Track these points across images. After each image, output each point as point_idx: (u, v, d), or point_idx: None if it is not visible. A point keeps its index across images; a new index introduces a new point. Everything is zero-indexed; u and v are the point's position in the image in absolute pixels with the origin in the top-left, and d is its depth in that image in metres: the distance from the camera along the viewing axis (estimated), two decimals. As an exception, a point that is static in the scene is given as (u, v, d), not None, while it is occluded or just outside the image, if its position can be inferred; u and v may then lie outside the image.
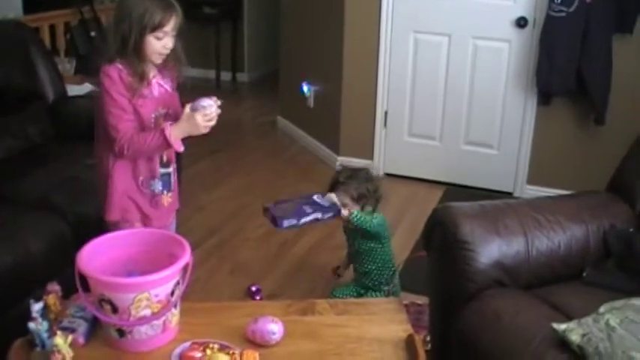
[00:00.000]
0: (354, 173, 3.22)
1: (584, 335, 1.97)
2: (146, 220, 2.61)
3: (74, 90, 4.58)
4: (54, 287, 2.23)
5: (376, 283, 3.24)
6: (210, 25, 7.84)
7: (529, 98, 4.63)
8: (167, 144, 2.44)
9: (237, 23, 8.00)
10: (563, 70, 4.34)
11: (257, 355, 2.00)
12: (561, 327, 2.03)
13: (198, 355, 1.98)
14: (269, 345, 2.08)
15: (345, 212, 3.09)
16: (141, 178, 2.57)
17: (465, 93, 4.81)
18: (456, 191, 4.85)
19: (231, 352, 1.99)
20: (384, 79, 4.97)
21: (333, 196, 3.04)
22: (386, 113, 5.05)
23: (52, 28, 5.20)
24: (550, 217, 2.51)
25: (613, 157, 2.99)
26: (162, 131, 2.43)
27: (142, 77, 2.44)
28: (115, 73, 2.41)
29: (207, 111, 2.49)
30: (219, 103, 2.56)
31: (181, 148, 2.50)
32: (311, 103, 5.62)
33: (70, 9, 5.55)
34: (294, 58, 5.95)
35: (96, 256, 2.13)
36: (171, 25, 2.44)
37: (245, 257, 3.94)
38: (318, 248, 4.03)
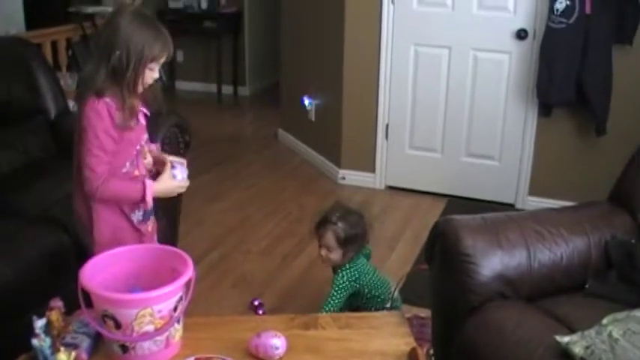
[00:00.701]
0: (346, 214, 3.07)
1: (587, 347, 1.97)
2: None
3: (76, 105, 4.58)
4: (57, 303, 2.23)
5: (378, 307, 3.20)
6: (211, 39, 7.88)
7: (530, 109, 4.64)
8: (142, 199, 2.41)
9: (237, 37, 8.04)
10: (564, 81, 4.35)
11: (260, 369, 2.01)
12: (564, 339, 2.02)
13: (202, 370, 1.98)
14: None
15: (322, 254, 3.08)
16: (126, 209, 2.49)
17: (465, 105, 4.82)
18: (458, 203, 4.86)
19: (234, 367, 1.99)
20: (385, 91, 4.98)
21: None
22: (387, 126, 5.06)
23: (54, 44, 5.22)
24: (552, 229, 2.51)
25: (614, 168, 2.99)
26: (143, 187, 2.40)
27: (132, 110, 2.35)
28: (105, 109, 2.29)
29: (181, 180, 2.54)
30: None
31: (150, 205, 2.48)
32: (312, 116, 5.63)
33: (71, 25, 5.58)
34: (295, 71, 5.97)
35: (98, 272, 2.14)
36: (165, 58, 2.39)
37: (247, 271, 3.94)
38: (320, 262, 4.02)
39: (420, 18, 4.78)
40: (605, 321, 2.07)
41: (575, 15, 4.19)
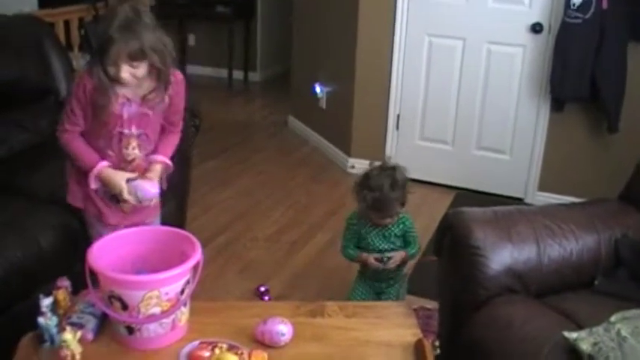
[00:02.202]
0: (394, 180, 3.02)
1: (595, 344, 1.96)
2: (102, 217, 2.61)
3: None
4: (64, 283, 2.23)
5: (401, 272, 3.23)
6: (223, 24, 7.85)
7: (542, 104, 4.61)
8: (89, 171, 2.51)
9: (250, 22, 8.01)
10: (578, 76, 4.32)
11: (266, 355, 2.00)
12: (572, 335, 2.01)
13: (207, 354, 1.97)
14: (278, 346, 2.08)
15: (393, 263, 3.06)
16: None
17: (477, 97, 4.79)
18: (467, 196, 4.84)
19: (239, 352, 1.98)
20: (397, 81, 4.96)
21: None
22: (398, 116, 5.04)
23: (67, 24, 5.21)
24: (562, 225, 2.50)
25: (625, 166, 2.97)
26: (97, 162, 2.50)
27: (111, 95, 2.41)
28: (82, 82, 2.43)
29: (139, 198, 2.55)
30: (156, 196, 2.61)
31: (92, 186, 2.53)
32: (323, 104, 5.61)
33: (84, 4, 5.56)
34: (307, 59, 5.95)
35: (106, 253, 2.13)
36: (114, 54, 2.31)
37: (254, 257, 3.94)
38: (328, 250, 4.02)
39: (435, 8, 4.75)
40: (613, 319, 2.06)
41: (592, 10, 4.16)
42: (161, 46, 2.38)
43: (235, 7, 7.74)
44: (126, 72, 2.34)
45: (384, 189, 2.99)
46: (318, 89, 5.62)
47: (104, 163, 2.51)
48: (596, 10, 4.15)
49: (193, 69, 8.32)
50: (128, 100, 2.46)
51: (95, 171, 2.50)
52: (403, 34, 4.86)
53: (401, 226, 3.12)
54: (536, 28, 4.48)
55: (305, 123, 6.07)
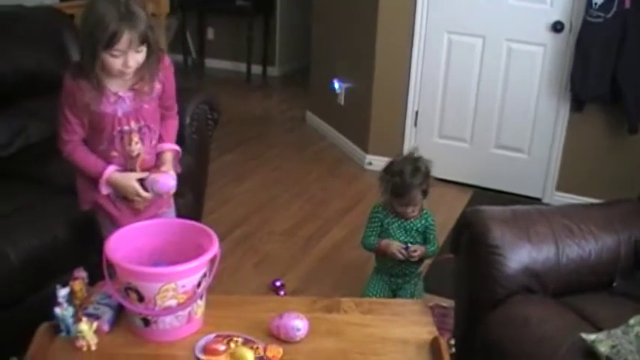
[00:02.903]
0: (417, 169, 3.08)
1: (613, 347, 1.94)
2: (113, 220, 2.56)
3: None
4: (80, 273, 2.24)
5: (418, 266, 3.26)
6: (242, 18, 7.84)
7: (562, 104, 4.58)
8: (98, 179, 2.47)
9: (269, 17, 8.00)
10: (598, 76, 4.28)
11: (281, 350, 2.00)
12: (590, 337, 2.00)
13: (222, 347, 1.97)
14: (293, 341, 2.07)
15: (416, 255, 3.10)
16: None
17: (497, 96, 4.76)
18: (484, 194, 4.82)
19: (255, 346, 1.99)
20: (416, 78, 4.94)
21: None
22: (417, 113, 5.02)
23: (87, 15, 5.21)
24: (582, 226, 2.48)
25: (645, 167, 2.94)
26: (104, 169, 2.46)
27: (100, 93, 2.37)
28: (68, 88, 2.37)
29: (156, 192, 2.54)
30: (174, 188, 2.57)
31: (104, 192, 2.51)
32: (341, 99, 5.60)
33: None
34: (326, 54, 5.93)
35: (123, 244, 2.14)
36: (124, 43, 2.22)
37: (270, 251, 3.94)
38: (344, 245, 4.02)
39: (454, 6, 4.73)
40: (632, 321, 2.05)
41: (614, 9, 4.12)
42: (151, 23, 2.32)
43: (255, 2, 7.73)
44: (132, 59, 2.28)
45: (405, 174, 3.04)
46: (336, 85, 5.61)
47: (111, 168, 2.47)
48: (618, 10, 4.11)
49: (212, 62, 8.34)
50: (119, 96, 2.41)
51: (104, 178, 2.46)
52: (423, 31, 4.83)
53: (423, 221, 3.15)
54: (557, 27, 4.44)
55: (323, 119, 6.06)
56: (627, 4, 4.09)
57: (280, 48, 8.24)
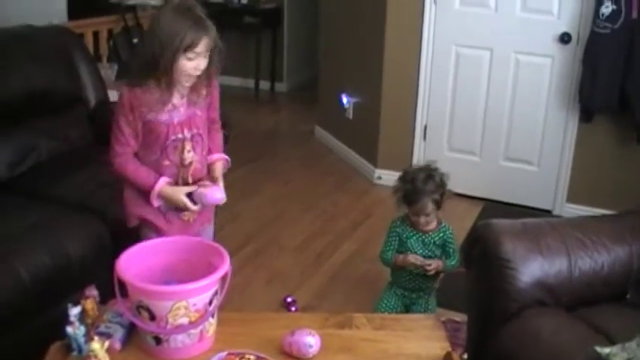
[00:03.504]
0: (431, 177, 3.12)
1: None
2: (162, 233, 2.57)
3: (115, 95, 4.61)
4: (92, 292, 2.24)
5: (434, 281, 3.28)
6: (250, 35, 7.87)
7: (571, 115, 4.57)
8: (149, 191, 2.48)
9: (276, 33, 8.03)
10: (607, 87, 4.28)
11: (293, 367, 1.99)
12: (605, 350, 1.98)
13: (235, 365, 1.97)
14: (305, 358, 2.07)
15: (432, 267, 3.12)
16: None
17: (505, 108, 4.76)
18: (495, 207, 4.80)
19: (267, 363, 1.98)
20: (424, 92, 4.95)
21: None
22: (425, 127, 5.02)
23: (96, 35, 5.26)
24: (594, 238, 2.47)
25: (656, 177, 2.93)
26: (155, 181, 2.48)
27: (165, 100, 2.43)
28: (127, 98, 2.41)
29: (205, 204, 2.59)
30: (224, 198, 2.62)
31: (155, 204, 2.52)
32: (350, 114, 5.61)
33: (113, 16, 5.61)
34: (334, 69, 5.95)
35: (135, 263, 2.14)
36: (203, 47, 2.37)
37: (281, 267, 3.93)
38: (355, 260, 4.01)
39: (462, 18, 4.73)
40: (646, 333, 2.03)
41: (621, 20, 4.12)
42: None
43: (263, 18, 7.77)
44: (202, 63, 2.41)
45: (416, 180, 3.07)
46: (344, 99, 5.62)
47: (162, 181, 2.49)
48: (625, 20, 4.11)
49: (220, 79, 8.21)
50: (174, 104, 2.47)
51: (156, 190, 2.48)
52: (430, 45, 4.84)
53: (441, 234, 3.17)
54: (564, 39, 4.44)
55: (332, 133, 6.07)
56: (634, 14, 4.09)
57: (288, 63, 8.26)
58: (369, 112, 5.28)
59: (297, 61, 8.35)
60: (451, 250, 3.19)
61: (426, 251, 3.17)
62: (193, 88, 2.50)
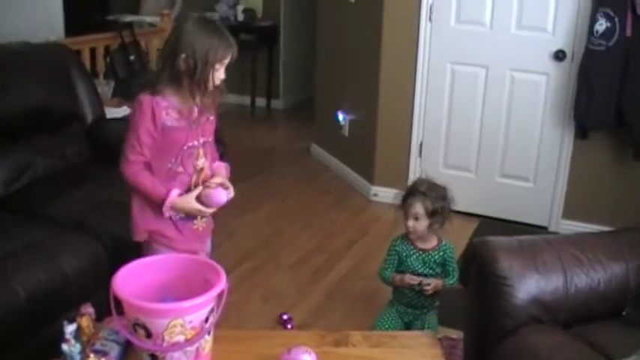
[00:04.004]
0: (434, 187, 3.18)
1: (625, 377, 1.93)
2: (172, 243, 2.58)
3: (112, 112, 4.62)
4: (87, 309, 2.23)
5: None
6: (246, 52, 7.85)
7: (566, 132, 4.58)
8: (160, 204, 2.49)
9: (273, 50, 8.05)
10: (602, 104, 4.29)
11: (290, 385, 1.98)
12: (602, 367, 1.98)
13: (231, 383, 1.96)
14: (302, 375, 2.06)
15: (430, 288, 3.13)
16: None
17: (501, 125, 4.78)
18: (491, 224, 4.81)
19: (263, 381, 1.97)
20: (420, 109, 4.96)
21: None
22: (421, 144, 5.04)
23: (93, 51, 5.26)
24: (589, 254, 2.47)
25: (652, 194, 2.94)
26: (166, 193, 2.48)
27: (186, 108, 2.49)
28: (149, 107, 2.43)
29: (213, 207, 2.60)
30: (231, 195, 2.66)
31: (167, 215, 2.53)
32: (346, 131, 5.62)
33: (110, 33, 5.62)
34: (330, 86, 5.96)
35: (131, 280, 2.13)
36: (229, 60, 2.50)
37: (277, 284, 3.93)
38: (351, 277, 4.01)
39: (457, 36, 4.76)
40: (643, 350, 2.03)
41: (616, 37, 4.14)
42: None
43: (259, 35, 7.79)
44: (223, 73, 2.52)
45: (416, 184, 3.17)
46: (340, 117, 5.63)
47: (175, 193, 2.50)
48: (619, 38, 4.13)
49: (216, 96, 8.36)
50: (190, 112, 2.52)
51: (168, 202, 2.48)
52: (426, 62, 4.86)
53: (441, 253, 3.19)
54: (559, 56, 4.46)
55: (328, 150, 6.08)
56: (628, 32, 4.11)
57: (284, 81, 8.28)
58: (365, 130, 5.30)
59: (293, 79, 8.37)
60: (451, 269, 3.20)
61: (427, 269, 3.18)
62: (209, 96, 2.55)
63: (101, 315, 2.23)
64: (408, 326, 3.25)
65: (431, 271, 3.19)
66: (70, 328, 2.04)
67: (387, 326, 3.21)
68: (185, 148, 2.51)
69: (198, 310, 2.01)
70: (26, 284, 2.62)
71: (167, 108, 2.45)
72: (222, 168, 2.72)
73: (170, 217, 2.55)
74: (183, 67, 2.40)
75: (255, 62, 7.77)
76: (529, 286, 2.35)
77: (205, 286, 2.06)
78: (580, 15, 4.35)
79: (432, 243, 3.20)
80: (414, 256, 3.19)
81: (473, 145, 4.91)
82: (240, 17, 7.90)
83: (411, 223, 3.14)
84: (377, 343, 2.30)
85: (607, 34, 4.16)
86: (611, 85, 4.24)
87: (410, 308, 3.24)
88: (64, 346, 2.01)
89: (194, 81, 2.42)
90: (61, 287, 2.75)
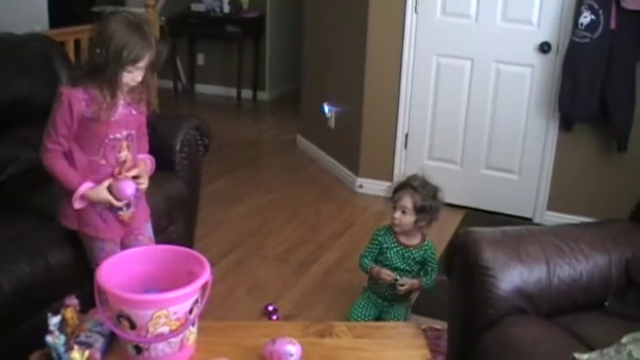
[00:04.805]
0: (426, 184, 3.19)
1: (606, 366, 1.94)
2: (99, 233, 2.67)
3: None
4: (72, 301, 2.22)
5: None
6: (232, 43, 7.89)
7: (551, 124, 4.61)
8: (71, 193, 2.57)
9: (259, 42, 8.05)
10: (586, 96, 4.31)
11: (274, 376, 1.99)
12: (583, 357, 2.00)
13: (215, 374, 1.96)
14: (286, 366, 2.06)
15: (404, 289, 3.16)
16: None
17: (486, 117, 4.79)
18: (476, 216, 4.83)
19: (248, 372, 1.98)
20: (406, 101, 4.97)
21: None
22: (407, 136, 5.05)
23: (77, 43, 5.23)
24: (572, 245, 2.49)
25: (635, 185, 2.97)
26: (79, 185, 2.56)
27: (108, 105, 2.51)
28: (66, 98, 2.49)
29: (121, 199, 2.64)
30: (143, 187, 2.70)
31: (76, 206, 2.61)
32: (332, 123, 5.62)
33: (95, 24, 5.59)
34: (316, 78, 5.96)
35: (115, 272, 2.13)
36: (144, 62, 2.49)
37: (263, 276, 3.93)
38: (336, 269, 4.02)
39: (443, 28, 4.76)
40: (624, 340, 2.05)
41: (600, 30, 4.16)
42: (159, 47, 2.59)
43: (245, 27, 7.78)
44: (139, 75, 2.53)
45: (409, 180, 3.18)
46: (326, 109, 5.63)
47: (85, 187, 2.57)
48: (604, 30, 4.15)
49: (202, 88, 8.37)
50: (114, 106, 2.55)
51: (78, 194, 2.57)
52: (411, 54, 4.87)
53: (422, 252, 3.19)
54: (544, 48, 4.48)
55: (314, 142, 6.08)
56: (613, 24, 4.13)
57: (270, 73, 8.27)
58: (350, 122, 5.30)
59: (279, 71, 8.37)
60: (430, 269, 3.22)
61: (405, 265, 3.19)
62: (131, 92, 2.59)
63: (86, 307, 2.23)
64: (379, 317, 3.27)
65: (408, 268, 3.20)
66: (54, 320, 2.03)
67: (360, 313, 3.24)
68: (107, 140, 2.57)
69: (182, 302, 2.01)
70: (10, 276, 2.60)
71: (87, 100, 2.50)
72: (146, 160, 2.76)
73: (94, 207, 2.62)
74: (97, 61, 2.45)
75: (241, 54, 7.77)
76: (512, 276, 2.36)
77: (190, 278, 2.06)
78: (565, 7, 4.37)
79: (415, 240, 3.22)
80: (395, 249, 3.20)
81: (458, 137, 4.92)
82: (226, 9, 7.89)
83: (397, 215, 3.15)
84: (361, 334, 2.30)
85: (591, 26, 4.18)
86: (595, 78, 4.26)
87: (380, 299, 3.27)
88: (49, 338, 2.01)
89: (103, 77, 2.45)
90: (46, 278, 2.73)
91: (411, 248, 3.20)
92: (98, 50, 2.43)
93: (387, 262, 3.20)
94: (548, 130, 4.63)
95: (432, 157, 5.03)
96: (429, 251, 3.22)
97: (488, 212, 4.90)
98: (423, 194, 3.13)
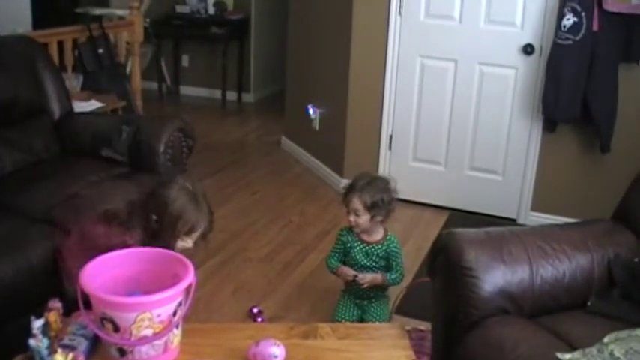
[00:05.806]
0: (372, 181, 3.19)
1: (588, 366, 1.96)
2: None
3: (80, 106, 4.59)
4: (55, 304, 2.21)
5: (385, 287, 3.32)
6: (216, 45, 7.88)
7: (534, 125, 4.63)
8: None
9: (243, 44, 8.04)
10: (569, 97, 4.34)
11: (258, 377, 1.99)
12: (565, 356, 2.01)
13: (199, 376, 1.96)
14: (271, 368, 2.07)
15: (365, 281, 3.18)
16: None
17: (470, 119, 4.81)
18: (460, 217, 4.85)
19: (232, 374, 1.98)
20: (390, 102, 4.98)
21: None
22: (391, 137, 5.06)
23: (61, 45, 5.22)
24: (555, 246, 2.50)
25: (618, 185, 2.98)
26: None
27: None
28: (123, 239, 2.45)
29: None
30: None
31: None
32: (316, 125, 5.62)
33: (78, 25, 5.57)
34: (300, 80, 5.97)
35: (99, 274, 2.12)
36: (198, 233, 2.56)
37: (247, 278, 3.93)
38: (321, 270, 4.00)
39: (426, 30, 4.78)
40: (606, 339, 2.07)
41: (583, 32, 4.18)
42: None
43: (229, 28, 7.77)
44: (192, 243, 2.58)
45: (354, 182, 3.19)
46: (311, 110, 5.63)
47: None
48: (587, 32, 4.17)
49: (187, 89, 8.35)
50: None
51: None
52: (395, 56, 4.88)
53: (385, 247, 3.20)
54: (527, 50, 4.50)
55: (298, 144, 6.08)
56: (595, 26, 4.16)
57: (255, 74, 8.27)
58: (335, 123, 5.31)
59: (264, 72, 8.37)
60: (394, 264, 3.23)
61: (370, 262, 3.22)
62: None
63: (70, 310, 2.22)
64: (361, 317, 3.28)
65: (374, 264, 3.22)
66: (37, 323, 2.02)
67: (343, 315, 3.27)
68: None
69: (166, 304, 2.01)
70: (-7, 278, 2.60)
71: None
72: None
73: None
74: (153, 227, 2.47)
75: (225, 55, 7.76)
76: (495, 277, 2.38)
77: (174, 280, 2.06)
78: (548, 10, 4.39)
79: (377, 236, 3.23)
80: (358, 247, 3.22)
81: (442, 138, 4.93)
82: (211, 10, 7.88)
83: (352, 218, 3.17)
84: (345, 335, 2.31)
85: (574, 28, 4.20)
86: (578, 79, 4.28)
87: (358, 299, 3.29)
88: (32, 341, 2.00)
89: (157, 245, 2.41)
90: (28, 281, 2.73)
91: (374, 244, 3.22)
92: (155, 217, 2.46)
93: (353, 262, 3.24)
94: (532, 132, 4.65)
95: (417, 159, 5.05)
96: (391, 245, 3.23)
97: (473, 213, 4.92)
98: (372, 192, 3.13)
